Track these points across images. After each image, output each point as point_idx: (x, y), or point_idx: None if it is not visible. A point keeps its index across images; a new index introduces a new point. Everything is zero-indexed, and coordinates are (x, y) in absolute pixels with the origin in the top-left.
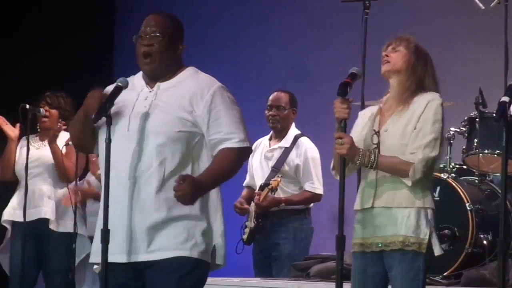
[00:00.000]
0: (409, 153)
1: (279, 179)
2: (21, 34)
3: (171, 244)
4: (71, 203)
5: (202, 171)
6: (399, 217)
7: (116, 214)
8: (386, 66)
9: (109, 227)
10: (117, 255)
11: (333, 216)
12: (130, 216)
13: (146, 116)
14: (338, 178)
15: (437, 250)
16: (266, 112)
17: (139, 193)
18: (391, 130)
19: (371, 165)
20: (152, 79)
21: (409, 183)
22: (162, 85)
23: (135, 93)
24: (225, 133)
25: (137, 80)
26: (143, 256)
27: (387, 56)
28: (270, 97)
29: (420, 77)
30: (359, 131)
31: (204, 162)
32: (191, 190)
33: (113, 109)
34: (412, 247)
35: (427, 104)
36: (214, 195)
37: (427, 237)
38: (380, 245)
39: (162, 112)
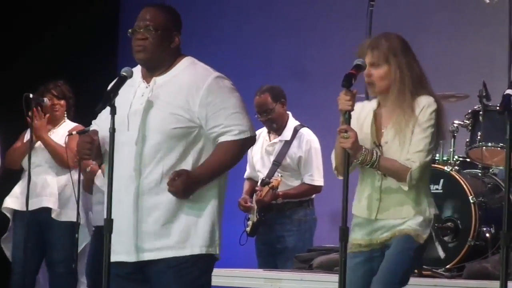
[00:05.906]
0: (406, 159)
1: (279, 179)
2: (24, 21)
3: (173, 243)
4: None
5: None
6: (402, 222)
7: (120, 215)
8: (372, 91)
9: (114, 226)
10: (123, 255)
11: (336, 207)
12: (134, 216)
13: (143, 115)
14: (340, 178)
15: (441, 253)
16: (256, 117)
17: (141, 193)
18: (391, 143)
19: (372, 164)
20: (148, 72)
21: (405, 187)
22: (158, 80)
23: (133, 89)
24: (224, 126)
25: (136, 73)
26: (147, 255)
27: (369, 76)
28: (255, 103)
29: (412, 83)
30: (358, 129)
31: (209, 152)
32: (183, 186)
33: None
34: (407, 232)
35: (421, 110)
36: (214, 189)
37: (427, 232)
38: (378, 241)
39: (158, 109)
